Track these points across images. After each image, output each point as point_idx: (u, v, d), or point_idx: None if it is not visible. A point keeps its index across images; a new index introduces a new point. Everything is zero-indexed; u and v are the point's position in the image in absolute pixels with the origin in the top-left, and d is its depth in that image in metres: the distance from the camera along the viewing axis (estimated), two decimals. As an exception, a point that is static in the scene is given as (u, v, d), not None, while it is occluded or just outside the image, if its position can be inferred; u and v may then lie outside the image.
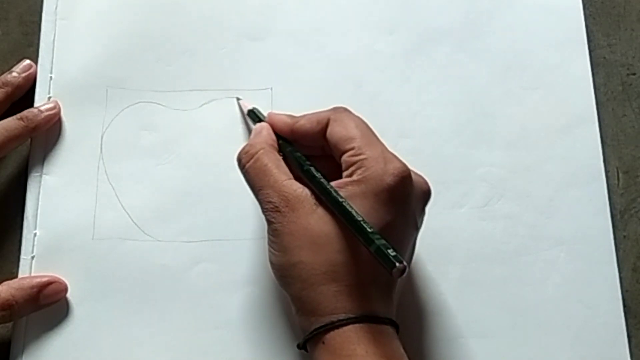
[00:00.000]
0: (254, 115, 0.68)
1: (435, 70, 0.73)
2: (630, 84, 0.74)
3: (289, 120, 0.64)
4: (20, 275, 0.66)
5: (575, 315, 0.66)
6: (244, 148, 0.62)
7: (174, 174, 0.69)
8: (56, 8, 0.73)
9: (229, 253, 0.67)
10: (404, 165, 0.58)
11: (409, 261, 0.61)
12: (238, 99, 0.71)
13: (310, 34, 0.73)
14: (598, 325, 0.66)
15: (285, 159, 0.62)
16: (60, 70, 0.71)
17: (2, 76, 0.70)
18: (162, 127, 0.70)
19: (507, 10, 0.75)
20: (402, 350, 0.56)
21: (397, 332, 0.57)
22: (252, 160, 0.61)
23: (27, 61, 0.71)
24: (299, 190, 0.58)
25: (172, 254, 0.67)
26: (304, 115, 0.64)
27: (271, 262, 0.59)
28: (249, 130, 0.70)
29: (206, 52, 0.73)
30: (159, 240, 0.67)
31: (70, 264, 0.67)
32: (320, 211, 0.57)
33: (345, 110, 0.62)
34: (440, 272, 0.66)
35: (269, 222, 0.58)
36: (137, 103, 0.71)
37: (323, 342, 0.55)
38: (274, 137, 0.64)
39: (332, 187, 0.57)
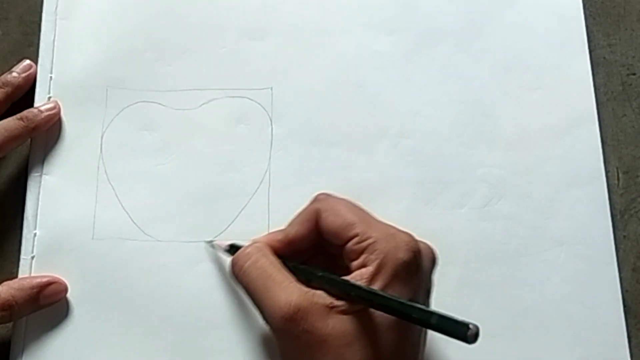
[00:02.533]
0: (235, 250, 0.63)
1: (435, 70, 0.73)
2: (630, 84, 0.74)
3: (280, 236, 0.61)
4: (20, 275, 0.66)
5: (575, 316, 0.66)
6: (240, 250, 0.60)
7: (174, 174, 0.69)
8: (56, 8, 0.73)
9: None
10: (410, 235, 0.57)
11: None
12: (210, 242, 0.68)
13: (311, 34, 0.73)
14: (598, 326, 0.66)
15: None
16: (60, 70, 0.71)
17: (2, 76, 0.70)
18: (162, 127, 0.70)
19: (508, 10, 0.74)
20: None
21: None
22: (251, 261, 0.58)
23: (27, 61, 0.71)
24: (310, 293, 0.54)
25: (172, 254, 0.67)
26: (292, 223, 0.61)
27: None
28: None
29: (206, 52, 0.73)
30: (158, 240, 0.67)
31: (70, 264, 0.67)
32: (335, 311, 0.53)
33: (329, 196, 0.61)
34: (440, 273, 0.66)
35: (282, 334, 0.55)
36: (137, 103, 0.71)
37: None
38: (270, 249, 0.60)
39: (358, 283, 0.53)
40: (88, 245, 0.67)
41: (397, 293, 0.53)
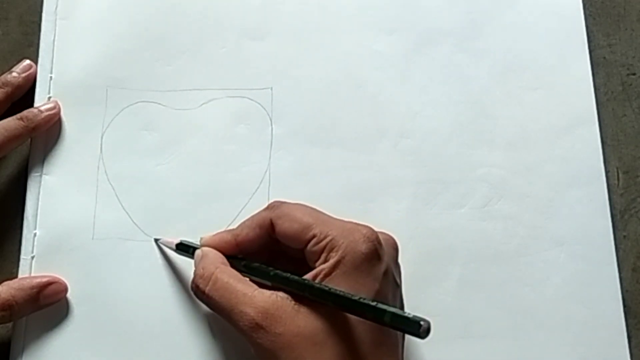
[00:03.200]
0: (185, 247, 0.64)
1: (435, 70, 0.73)
2: (630, 84, 0.74)
3: (228, 237, 0.61)
4: (20, 275, 0.66)
5: (575, 316, 0.66)
6: (195, 275, 0.59)
7: (174, 174, 0.69)
8: (56, 8, 0.73)
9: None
10: (369, 227, 0.57)
11: None
12: (157, 240, 0.68)
13: (311, 34, 0.73)
14: (598, 326, 0.66)
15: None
16: (60, 70, 0.71)
17: (2, 76, 0.70)
18: (162, 127, 0.70)
19: (508, 10, 0.74)
20: None
21: None
22: (210, 283, 0.57)
23: (27, 61, 0.71)
24: (273, 296, 0.54)
25: (172, 254, 0.67)
26: (242, 225, 0.62)
27: None
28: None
29: (206, 52, 0.73)
30: (159, 240, 0.68)
31: (70, 263, 0.67)
32: (304, 309, 0.53)
33: (282, 203, 0.61)
34: (440, 273, 0.66)
35: (254, 344, 0.54)
36: (137, 103, 0.71)
37: None
38: (221, 255, 0.60)
39: (309, 280, 0.54)
40: (88, 245, 0.67)
41: (360, 286, 0.54)
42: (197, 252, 0.62)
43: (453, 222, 0.68)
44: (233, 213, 0.68)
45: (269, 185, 0.69)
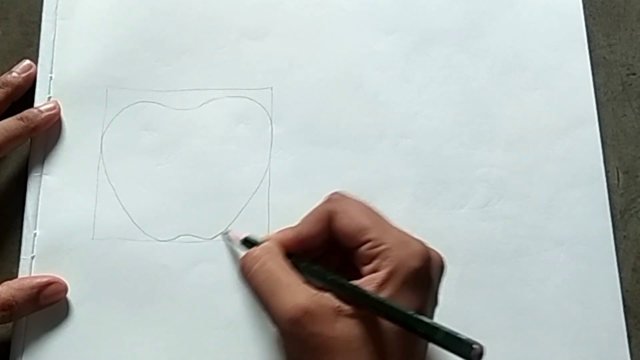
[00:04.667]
0: (249, 244, 0.63)
1: (435, 70, 0.73)
2: (630, 84, 0.74)
3: (291, 234, 0.60)
4: (20, 275, 0.66)
5: (575, 316, 0.66)
6: (246, 254, 0.60)
7: (174, 174, 0.69)
8: (56, 8, 0.73)
9: (229, 253, 0.67)
10: (422, 244, 0.56)
11: None
12: (226, 234, 0.68)
13: (311, 33, 0.73)
14: (598, 326, 0.66)
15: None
16: (60, 70, 0.71)
17: (2, 76, 0.70)
18: (162, 127, 0.70)
19: (507, 10, 0.74)
20: None
21: None
22: (258, 264, 0.57)
23: (27, 61, 0.71)
24: (317, 296, 0.54)
25: (172, 254, 0.67)
26: (303, 221, 0.61)
27: None
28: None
29: (206, 52, 0.73)
30: (159, 240, 0.67)
31: (70, 264, 0.67)
32: (344, 314, 0.53)
33: (343, 197, 0.60)
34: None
35: (287, 335, 0.54)
36: (137, 103, 0.71)
37: None
38: (279, 250, 0.59)
39: (367, 290, 0.53)
40: (88, 245, 0.67)
41: (406, 301, 0.53)
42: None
43: (453, 222, 0.68)
44: (233, 213, 0.68)
45: (269, 185, 0.69)
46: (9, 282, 0.64)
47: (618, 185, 0.71)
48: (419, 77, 0.72)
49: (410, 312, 0.50)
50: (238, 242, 0.65)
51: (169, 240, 0.67)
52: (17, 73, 0.71)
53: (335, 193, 0.61)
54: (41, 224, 0.68)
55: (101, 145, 0.70)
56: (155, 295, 0.66)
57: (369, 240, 0.56)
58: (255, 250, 0.59)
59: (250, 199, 0.68)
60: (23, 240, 0.67)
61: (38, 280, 0.64)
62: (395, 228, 0.57)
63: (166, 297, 0.66)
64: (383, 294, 0.53)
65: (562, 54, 0.73)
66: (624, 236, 0.69)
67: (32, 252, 0.67)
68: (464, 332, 0.65)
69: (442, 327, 0.49)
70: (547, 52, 0.73)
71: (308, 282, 0.56)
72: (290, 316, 0.53)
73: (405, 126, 0.70)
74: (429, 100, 0.71)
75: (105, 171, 0.69)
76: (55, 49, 0.72)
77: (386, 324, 0.52)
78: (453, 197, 0.69)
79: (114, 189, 0.69)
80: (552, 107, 0.71)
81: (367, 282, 0.54)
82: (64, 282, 0.66)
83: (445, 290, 0.66)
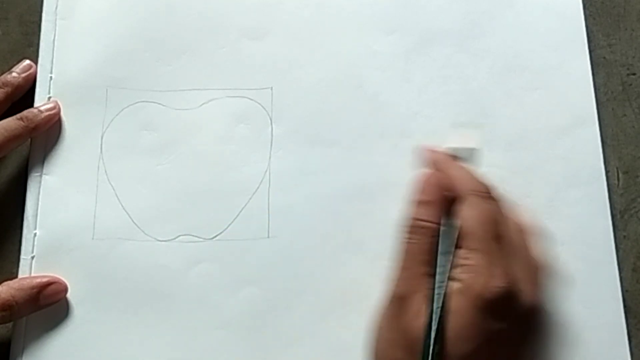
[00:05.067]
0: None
1: (435, 70, 0.73)
2: (630, 84, 0.74)
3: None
4: (20, 275, 0.66)
5: (575, 316, 0.66)
6: (414, 213, 0.60)
7: (174, 174, 0.69)
8: (56, 8, 0.73)
9: (229, 253, 0.67)
10: (509, 278, 0.56)
11: None
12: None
13: (310, 33, 0.73)
14: (598, 326, 0.66)
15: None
16: (60, 70, 0.71)
17: (2, 76, 0.70)
18: (162, 127, 0.70)
19: (507, 10, 0.74)
20: None
21: None
22: (412, 233, 0.59)
23: (27, 61, 0.71)
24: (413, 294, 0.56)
25: (172, 254, 0.67)
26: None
27: None
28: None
29: (206, 52, 0.73)
30: (159, 240, 0.67)
31: (70, 264, 0.67)
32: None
33: (486, 195, 0.60)
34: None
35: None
36: (137, 103, 0.71)
37: None
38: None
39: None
40: (88, 246, 0.67)
41: (473, 327, 0.55)
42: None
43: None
44: (233, 213, 0.68)
45: (269, 185, 0.69)
46: (8, 282, 0.64)
47: (618, 185, 0.71)
48: (419, 77, 0.72)
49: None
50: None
51: (169, 240, 0.68)
52: (17, 73, 0.71)
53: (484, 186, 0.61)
54: (41, 224, 0.68)
55: (101, 145, 0.70)
56: (155, 295, 0.66)
57: (463, 247, 0.57)
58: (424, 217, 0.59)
59: (250, 199, 0.68)
60: (23, 240, 0.67)
61: (38, 280, 0.64)
62: (498, 251, 0.57)
63: (166, 297, 0.66)
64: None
65: (562, 54, 0.73)
66: (624, 236, 0.69)
67: (32, 252, 0.67)
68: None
69: None
70: (547, 52, 0.73)
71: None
72: (391, 295, 0.57)
73: (405, 126, 0.70)
74: (429, 100, 0.71)
75: (105, 171, 0.69)
76: (55, 49, 0.72)
77: None
78: (453, 197, 0.69)
79: (114, 189, 0.69)
80: (552, 107, 0.71)
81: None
82: (64, 282, 0.66)
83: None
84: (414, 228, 0.59)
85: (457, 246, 0.57)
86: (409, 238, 0.58)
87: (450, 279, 0.56)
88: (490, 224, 0.58)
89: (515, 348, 0.58)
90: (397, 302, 0.56)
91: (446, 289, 0.55)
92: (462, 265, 0.56)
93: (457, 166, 0.63)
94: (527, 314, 0.58)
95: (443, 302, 0.55)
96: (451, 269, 0.57)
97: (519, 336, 0.59)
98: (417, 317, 0.55)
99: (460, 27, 0.74)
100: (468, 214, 0.58)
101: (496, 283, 0.55)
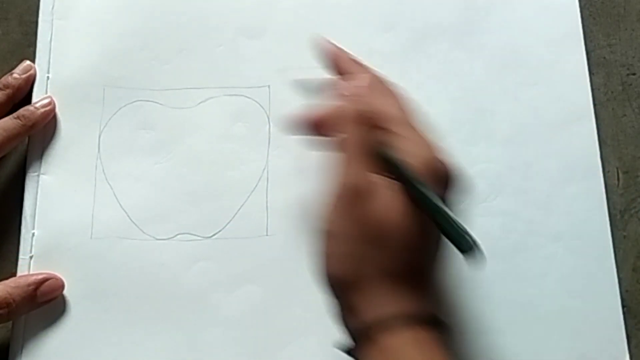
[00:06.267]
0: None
1: (432, 67, 0.73)
2: (630, 84, 0.74)
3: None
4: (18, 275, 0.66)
5: (573, 310, 0.66)
6: (340, 112, 0.57)
7: (172, 173, 0.69)
8: (53, 8, 0.73)
9: (228, 251, 0.67)
10: (434, 149, 0.56)
11: None
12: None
13: (307, 31, 0.73)
14: (596, 320, 0.66)
15: None
16: (57, 70, 0.72)
17: (3, 78, 0.70)
18: (160, 126, 0.71)
19: (504, 7, 0.75)
20: (453, 355, 0.55)
21: (445, 331, 0.54)
22: (344, 140, 0.56)
23: (27, 62, 0.71)
24: (386, 179, 0.54)
25: (170, 253, 0.67)
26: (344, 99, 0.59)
27: (320, 257, 0.55)
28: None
29: (203, 51, 0.73)
30: (157, 239, 0.68)
31: (69, 263, 0.67)
32: (384, 200, 0.53)
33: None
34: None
35: (345, 205, 0.54)
36: (134, 102, 0.71)
37: (376, 345, 0.51)
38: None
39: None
40: (86, 245, 0.67)
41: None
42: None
43: (451, 218, 0.69)
44: (231, 211, 0.68)
45: (267, 183, 0.69)
46: (5, 281, 0.64)
47: (618, 185, 0.71)
48: (416, 74, 0.72)
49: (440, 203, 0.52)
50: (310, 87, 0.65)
51: (167, 238, 0.68)
52: (17, 74, 0.71)
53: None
54: (39, 224, 0.68)
55: (99, 144, 0.70)
56: (154, 294, 0.66)
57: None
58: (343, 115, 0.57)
59: (248, 197, 0.68)
60: (21, 240, 0.68)
61: (34, 277, 0.65)
62: (416, 128, 0.57)
63: (165, 295, 0.66)
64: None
65: (558, 49, 0.73)
66: (624, 236, 0.69)
67: (31, 251, 0.67)
68: (463, 328, 0.65)
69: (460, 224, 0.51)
70: (544, 48, 0.73)
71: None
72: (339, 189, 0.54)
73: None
74: (427, 96, 0.71)
75: (103, 170, 0.69)
76: (52, 48, 0.72)
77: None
78: (451, 194, 0.69)
79: (111, 188, 0.69)
80: (549, 103, 0.72)
81: None
82: (60, 279, 0.66)
83: (445, 286, 0.66)
84: (345, 97, 0.58)
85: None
86: (350, 130, 0.56)
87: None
88: (401, 106, 0.59)
89: None
90: (351, 193, 0.53)
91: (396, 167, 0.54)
92: (398, 144, 0.55)
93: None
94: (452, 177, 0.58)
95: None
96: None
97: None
98: (378, 202, 0.53)
99: (457, 23, 0.74)
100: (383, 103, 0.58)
101: (433, 152, 0.56)
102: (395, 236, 0.52)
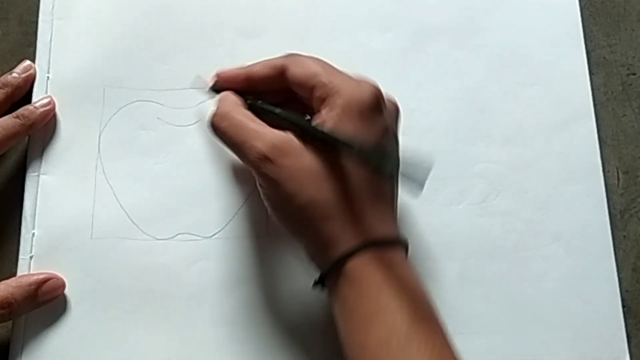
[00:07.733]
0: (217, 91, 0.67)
1: (432, 67, 0.73)
2: (630, 84, 0.74)
3: (241, 72, 0.65)
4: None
5: (573, 310, 0.66)
6: (214, 113, 0.63)
7: (172, 173, 0.69)
8: (53, 8, 0.73)
9: (228, 251, 0.67)
10: (374, 84, 0.60)
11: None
12: (199, 77, 0.70)
13: (307, 31, 0.73)
14: (596, 320, 0.66)
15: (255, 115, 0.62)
16: (57, 70, 0.71)
17: (3, 77, 0.70)
18: (160, 126, 0.70)
19: (504, 6, 0.75)
20: (414, 270, 0.59)
21: (407, 250, 0.60)
22: (227, 120, 0.61)
23: (27, 62, 0.71)
24: (283, 134, 0.59)
25: (170, 253, 0.67)
26: (255, 63, 0.65)
27: (277, 215, 0.61)
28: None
29: (203, 51, 0.73)
30: (157, 239, 0.68)
31: (69, 263, 0.67)
32: (310, 148, 0.58)
33: (298, 54, 0.63)
34: (439, 269, 0.66)
35: (261, 175, 0.59)
36: (134, 102, 0.71)
37: (342, 275, 0.57)
38: (237, 99, 0.64)
39: (309, 121, 0.59)
40: (87, 245, 0.67)
41: (363, 132, 0.57)
42: (218, 96, 0.65)
43: (451, 218, 0.69)
44: (231, 211, 0.68)
45: (267, 183, 0.69)
46: (6, 280, 0.64)
47: (618, 185, 0.71)
48: (415, 74, 0.73)
49: (344, 138, 0.56)
50: (207, 88, 0.67)
51: (167, 238, 0.68)
52: (17, 73, 0.70)
53: (293, 52, 0.64)
54: (39, 224, 0.68)
55: (99, 144, 0.70)
56: (153, 294, 0.66)
57: (319, 82, 0.60)
58: (220, 107, 0.63)
59: (248, 197, 0.68)
60: (21, 240, 0.67)
61: (35, 277, 0.65)
62: (345, 73, 0.61)
63: (165, 295, 0.66)
64: (340, 130, 0.57)
65: (558, 49, 0.73)
66: (624, 236, 0.69)
67: (31, 252, 0.67)
68: (463, 328, 0.65)
69: (370, 149, 0.55)
70: (544, 47, 0.73)
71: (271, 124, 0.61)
72: (260, 156, 0.58)
73: (403, 123, 0.69)
74: (426, 96, 0.72)
75: (103, 170, 0.69)
76: (52, 48, 0.72)
77: (350, 161, 0.58)
78: (451, 193, 0.69)
79: (112, 188, 0.69)
80: (549, 103, 0.72)
81: (322, 120, 0.58)
82: (61, 278, 0.66)
83: (445, 286, 0.66)
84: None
85: (310, 91, 0.60)
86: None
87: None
88: (321, 60, 0.62)
89: (397, 140, 0.62)
90: (273, 152, 0.58)
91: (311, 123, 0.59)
92: (328, 94, 0.59)
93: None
94: (396, 112, 0.64)
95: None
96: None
97: (395, 133, 0.63)
98: (311, 155, 0.58)
99: (457, 23, 0.74)
100: (299, 63, 0.62)
101: (367, 83, 0.60)
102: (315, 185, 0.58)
